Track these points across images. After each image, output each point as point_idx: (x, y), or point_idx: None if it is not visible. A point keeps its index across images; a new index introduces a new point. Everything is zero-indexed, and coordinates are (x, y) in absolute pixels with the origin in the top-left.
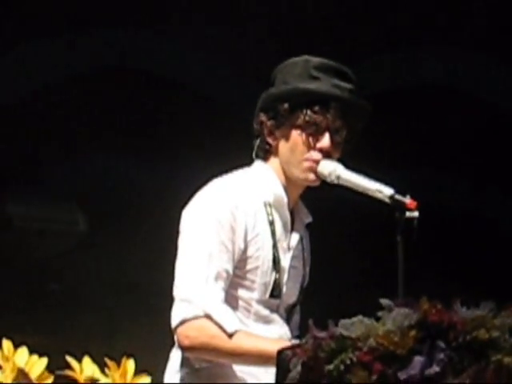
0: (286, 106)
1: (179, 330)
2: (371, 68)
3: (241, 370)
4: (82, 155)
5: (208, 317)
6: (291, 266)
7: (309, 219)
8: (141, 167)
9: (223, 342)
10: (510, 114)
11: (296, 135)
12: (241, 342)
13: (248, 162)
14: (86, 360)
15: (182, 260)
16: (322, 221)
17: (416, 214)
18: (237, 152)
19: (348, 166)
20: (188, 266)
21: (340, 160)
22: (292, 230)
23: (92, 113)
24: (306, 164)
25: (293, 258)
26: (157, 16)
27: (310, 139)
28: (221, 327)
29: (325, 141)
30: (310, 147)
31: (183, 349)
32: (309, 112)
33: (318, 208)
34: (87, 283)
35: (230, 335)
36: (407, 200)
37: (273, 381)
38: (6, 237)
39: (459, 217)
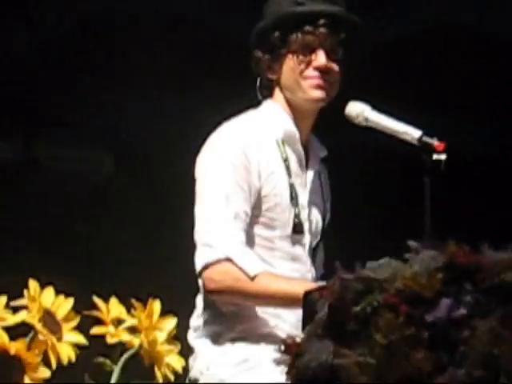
0: (276, 34)
1: (204, 274)
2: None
3: (266, 311)
4: (107, 99)
5: (230, 260)
6: (310, 202)
7: (324, 153)
8: (166, 111)
9: (248, 284)
10: None
11: (292, 60)
12: (266, 284)
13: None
14: (113, 301)
15: (200, 205)
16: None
17: (443, 156)
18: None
19: (376, 107)
20: (206, 210)
21: (368, 101)
22: (307, 165)
23: (115, 56)
24: (306, 83)
25: (311, 193)
26: None
27: (306, 60)
28: (243, 270)
29: (320, 58)
30: (306, 67)
31: (209, 292)
32: (299, 34)
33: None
34: (114, 223)
35: (253, 278)
36: (435, 142)
37: (299, 321)
38: (33, 177)
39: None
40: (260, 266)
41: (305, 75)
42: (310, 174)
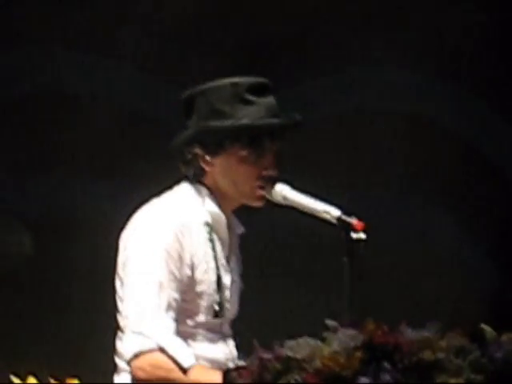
0: (228, 141)
1: (134, 363)
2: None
3: None
4: (29, 178)
5: (162, 350)
6: (232, 281)
7: (241, 230)
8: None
9: (180, 376)
10: None
11: (240, 167)
12: (198, 378)
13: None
14: (31, 379)
15: (131, 290)
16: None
17: (363, 235)
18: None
19: (293, 186)
20: (138, 297)
21: (286, 181)
22: (229, 244)
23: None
24: (259, 193)
25: (232, 272)
26: None
27: (256, 168)
28: (176, 362)
29: (272, 167)
30: (257, 176)
31: (139, 381)
32: (257, 145)
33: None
34: (27, 304)
35: (186, 370)
36: (354, 221)
37: None
38: None
39: None
40: (192, 358)
41: (257, 185)
42: (232, 253)
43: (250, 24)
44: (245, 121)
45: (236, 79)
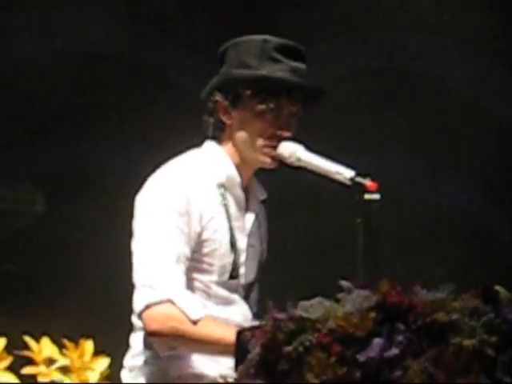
0: (248, 91)
1: (145, 314)
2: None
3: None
4: (41, 139)
5: (172, 302)
6: (249, 245)
7: (263, 196)
8: (102, 150)
9: (191, 328)
10: None
11: (256, 121)
12: (209, 330)
13: (199, 141)
14: (45, 340)
15: (140, 245)
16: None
17: (377, 196)
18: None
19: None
20: (147, 251)
21: (300, 141)
22: (247, 208)
23: (54, 97)
24: (266, 150)
25: (249, 236)
26: None
27: (271, 126)
28: (185, 313)
29: (287, 128)
30: (271, 134)
31: (150, 333)
32: (274, 100)
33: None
34: (44, 264)
35: (195, 322)
36: (367, 182)
37: (232, 362)
38: None
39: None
40: (201, 311)
41: (266, 143)
42: (250, 217)
43: None
44: (263, 72)
45: (268, 37)
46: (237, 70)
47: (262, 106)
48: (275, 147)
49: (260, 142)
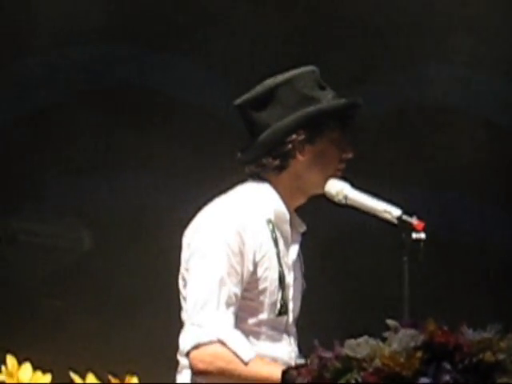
0: (331, 122)
1: (193, 354)
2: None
3: None
4: (86, 173)
5: (222, 343)
6: (295, 279)
7: (303, 228)
8: (148, 187)
9: (240, 368)
10: None
11: (333, 149)
12: (255, 370)
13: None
14: (90, 376)
15: (193, 284)
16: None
17: (423, 235)
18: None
19: (355, 185)
20: (198, 291)
21: (347, 179)
22: (291, 242)
23: (95, 131)
24: (339, 174)
25: (294, 271)
26: None
27: (341, 150)
28: (236, 354)
29: (350, 151)
30: (340, 158)
31: (197, 372)
32: (340, 125)
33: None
34: (88, 300)
35: (247, 363)
36: (414, 221)
37: None
38: (10, 252)
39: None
40: (252, 352)
41: (339, 167)
42: (294, 251)
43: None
44: (340, 101)
45: (310, 67)
46: (305, 106)
47: (335, 134)
48: (339, 170)
49: (332, 169)
